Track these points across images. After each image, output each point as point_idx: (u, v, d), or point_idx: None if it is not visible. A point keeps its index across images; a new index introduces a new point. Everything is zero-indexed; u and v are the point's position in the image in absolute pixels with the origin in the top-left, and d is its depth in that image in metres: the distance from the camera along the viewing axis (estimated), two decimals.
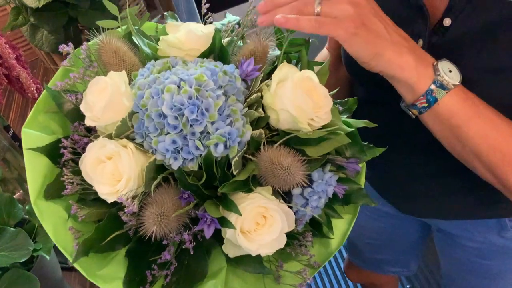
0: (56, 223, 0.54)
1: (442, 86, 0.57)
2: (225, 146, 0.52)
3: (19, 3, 1.24)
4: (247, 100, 0.57)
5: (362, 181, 0.69)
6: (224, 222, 0.53)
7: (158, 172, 0.54)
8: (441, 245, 1.08)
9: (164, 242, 0.54)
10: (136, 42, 0.62)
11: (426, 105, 0.59)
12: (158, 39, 0.64)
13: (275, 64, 0.65)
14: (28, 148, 0.55)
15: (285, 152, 0.54)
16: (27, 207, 0.80)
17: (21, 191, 1.05)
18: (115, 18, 0.63)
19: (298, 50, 0.69)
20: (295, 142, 0.57)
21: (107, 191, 0.52)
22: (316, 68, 0.66)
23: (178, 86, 0.52)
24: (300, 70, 0.64)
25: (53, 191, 0.55)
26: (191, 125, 0.51)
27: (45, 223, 0.53)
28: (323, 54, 0.97)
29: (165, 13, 0.74)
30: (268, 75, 0.64)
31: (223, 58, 0.62)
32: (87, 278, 0.53)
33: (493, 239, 0.90)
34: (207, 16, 0.69)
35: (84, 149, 0.55)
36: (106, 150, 0.52)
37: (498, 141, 0.59)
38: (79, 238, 0.54)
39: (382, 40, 0.55)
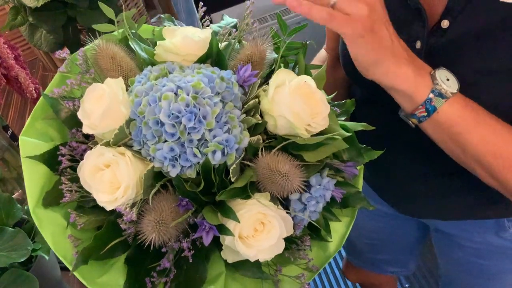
0: (55, 231, 0.55)
1: (440, 95, 0.57)
2: (223, 153, 0.52)
3: (18, 2, 1.24)
4: (245, 106, 0.57)
5: (360, 184, 0.69)
6: (222, 229, 0.53)
7: (156, 179, 0.54)
8: (439, 245, 1.08)
9: (163, 249, 0.54)
10: (133, 47, 0.62)
11: (425, 114, 0.59)
12: (155, 43, 0.64)
13: (273, 67, 0.65)
14: (26, 157, 0.55)
15: (283, 158, 0.55)
16: (26, 207, 0.80)
17: (20, 190, 1.05)
18: (112, 20, 0.63)
19: (295, 53, 0.69)
20: (292, 147, 0.57)
21: (106, 199, 0.52)
22: (314, 72, 0.66)
23: (176, 94, 0.52)
24: (298, 74, 0.64)
25: (52, 199, 0.56)
26: (188, 133, 0.51)
27: (44, 231, 0.54)
28: (321, 55, 0.97)
29: (162, 15, 0.74)
30: (266, 78, 0.64)
31: (220, 63, 0.62)
32: (87, 286, 0.53)
33: (491, 239, 0.90)
34: (204, 19, 0.69)
35: (82, 156, 0.55)
36: (104, 158, 0.52)
37: (499, 146, 0.59)
38: (78, 246, 0.54)
39: (384, 49, 0.55)
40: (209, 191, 0.54)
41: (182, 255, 0.54)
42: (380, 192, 0.99)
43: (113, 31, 0.65)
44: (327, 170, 0.60)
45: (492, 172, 0.61)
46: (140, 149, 0.54)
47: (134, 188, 0.52)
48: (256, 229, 0.55)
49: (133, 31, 0.65)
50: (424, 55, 0.67)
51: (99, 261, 0.55)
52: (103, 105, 0.53)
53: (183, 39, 0.61)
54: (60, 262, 0.86)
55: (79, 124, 0.57)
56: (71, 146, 0.58)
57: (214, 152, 0.51)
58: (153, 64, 0.61)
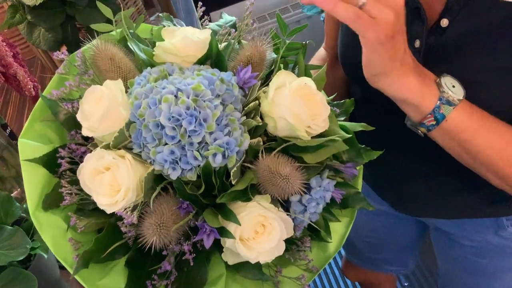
0: (55, 234, 0.54)
1: (448, 102, 0.57)
2: (224, 156, 0.52)
3: (16, 1, 1.23)
4: (245, 108, 0.57)
5: (360, 184, 0.69)
6: (223, 232, 0.53)
7: (157, 182, 0.54)
8: (438, 243, 1.08)
9: (164, 252, 0.54)
10: (132, 48, 0.62)
11: (434, 123, 0.59)
12: (154, 43, 0.63)
13: (272, 68, 0.65)
14: (25, 159, 0.55)
15: (283, 160, 0.55)
16: (24, 206, 0.80)
17: (19, 189, 1.05)
18: (110, 20, 0.62)
19: (295, 53, 0.68)
20: (293, 149, 0.57)
21: (106, 202, 0.52)
22: (313, 73, 0.66)
23: (176, 96, 0.51)
24: (297, 74, 0.64)
25: (52, 201, 0.55)
26: (189, 136, 0.50)
27: (44, 234, 0.53)
28: (320, 54, 0.97)
29: (160, 14, 0.74)
30: (265, 79, 0.63)
31: (219, 64, 0.61)
32: None
33: (490, 238, 0.91)
34: (203, 18, 0.68)
35: (81, 158, 0.55)
36: (104, 161, 0.52)
37: (507, 151, 0.60)
38: (78, 249, 0.54)
39: (396, 59, 0.54)
40: (209, 194, 0.54)
41: (183, 258, 0.54)
42: (380, 192, 0.99)
43: (111, 31, 0.64)
44: (327, 172, 0.60)
45: (503, 177, 0.62)
46: (140, 151, 0.53)
47: (135, 191, 0.52)
48: (257, 231, 0.55)
49: (131, 31, 0.64)
50: (423, 54, 0.67)
51: (99, 264, 0.55)
52: (102, 107, 0.53)
53: (182, 40, 0.61)
54: (58, 260, 0.86)
55: (78, 126, 0.56)
56: (70, 148, 0.58)
57: (214, 155, 0.51)
58: (152, 65, 0.61)
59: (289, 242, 0.59)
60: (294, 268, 0.63)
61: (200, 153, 0.51)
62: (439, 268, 1.15)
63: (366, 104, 0.84)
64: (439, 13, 0.65)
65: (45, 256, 0.76)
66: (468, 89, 0.60)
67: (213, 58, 0.62)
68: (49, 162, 0.56)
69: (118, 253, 0.56)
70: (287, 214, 0.57)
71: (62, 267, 0.87)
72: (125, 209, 0.51)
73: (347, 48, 0.81)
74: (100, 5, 0.62)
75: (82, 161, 0.54)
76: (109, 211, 0.52)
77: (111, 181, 0.52)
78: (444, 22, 0.64)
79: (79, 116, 0.55)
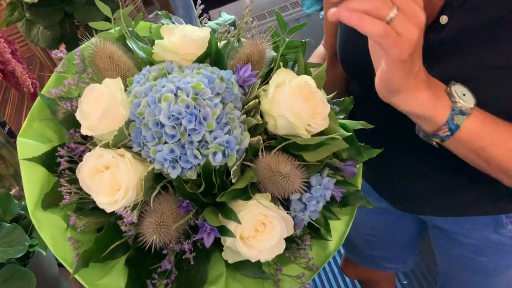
0: (55, 233, 0.54)
1: (461, 112, 0.57)
2: (224, 155, 0.52)
3: None
4: (245, 106, 0.56)
5: (359, 182, 0.69)
6: (223, 230, 0.53)
7: (157, 181, 0.54)
8: (437, 241, 1.08)
9: (164, 251, 0.54)
10: (131, 46, 0.62)
11: (448, 133, 0.59)
12: (153, 41, 0.63)
13: (272, 66, 0.65)
14: (24, 159, 0.55)
15: (283, 158, 0.54)
16: (23, 203, 0.80)
17: (17, 187, 1.05)
18: (109, 17, 0.62)
19: (294, 51, 0.68)
20: (293, 147, 0.57)
21: (106, 201, 0.51)
22: (313, 71, 0.66)
23: (175, 95, 0.51)
24: (297, 73, 0.63)
25: (51, 201, 0.55)
26: (189, 135, 0.50)
27: (43, 234, 0.53)
28: (319, 52, 0.97)
29: (159, 12, 0.73)
30: (265, 77, 0.63)
31: (219, 62, 0.61)
32: None
33: (489, 235, 0.91)
34: (202, 17, 0.68)
35: (80, 157, 0.55)
36: (103, 160, 0.52)
37: None
38: (78, 249, 0.54)
39: (411, 77, 0.53)
40: (209, 192, 0.54)
41: (183, 256, 0.54)
42: (379, 190, 0.99)
43: (110, 29, 0.64)
44: (327, 170, 0.60)
45: None
46: (140, 150, 0.53)
47: (135, 190, 0.52)
48: (257, 230, 0.55)
49: (130, 29, 0.64)
50: (422, 51, 0.67)
51: (99, 263, 0.55)
52: (101, 106, 0.53)
53: (181, 38, 0.61)
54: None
55: (77, 124, 0.56)
56: (69, 147, 0.57)
57: (214, 153, 0.51)
58: (151, 63, 0.61)
59: (289, 240, 0.59)
60: (294, 266, 0.63)
61: (200, 152, 0.51)
62: (438, 266, 1.16)
63: (365, 102, 0.84)
64: (438, 9, 0.64)
65: (44, 253, 0.76)
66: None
67: (213, 56, 0.62)
68: (48, 161, 0.56)
69: (118, 252, 0.56)
70: (287, 213, 0.57)
71: (60, 265, 0.88)
72: (125, 208, 0.51)
73: (346, 46, 0.81)
74: (99, 3, 0.61)
75: (81, 160, 0.53)
76: (108, 210, 0.52)
77: (111, 180, 0.52)
78: (443, 19, 0.64)
79: (78, 115, 0.55)
